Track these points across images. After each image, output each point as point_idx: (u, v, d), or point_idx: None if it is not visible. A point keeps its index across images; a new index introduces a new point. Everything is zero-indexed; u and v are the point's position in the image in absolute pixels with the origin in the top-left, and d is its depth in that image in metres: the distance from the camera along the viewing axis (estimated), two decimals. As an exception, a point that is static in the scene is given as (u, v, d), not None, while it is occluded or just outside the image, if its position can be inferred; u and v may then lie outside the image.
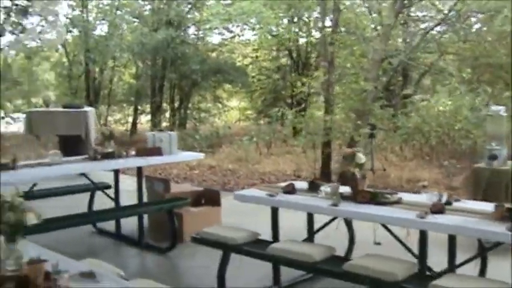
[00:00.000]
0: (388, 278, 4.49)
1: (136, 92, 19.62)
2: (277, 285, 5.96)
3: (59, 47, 19.34)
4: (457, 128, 12.79)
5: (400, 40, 13.86)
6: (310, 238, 6.18)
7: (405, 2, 12.44)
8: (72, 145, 11.77)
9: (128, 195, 8.19)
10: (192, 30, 19.21)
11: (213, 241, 5.63)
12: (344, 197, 5.51)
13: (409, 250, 5.43)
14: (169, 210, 7.06)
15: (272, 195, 5.76)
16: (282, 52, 20.80)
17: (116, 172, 7.65)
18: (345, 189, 5.64)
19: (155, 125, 17.42)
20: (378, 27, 13.18)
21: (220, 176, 13.21)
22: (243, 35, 20.94)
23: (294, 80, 18.36)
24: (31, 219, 3.33)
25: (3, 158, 6.71)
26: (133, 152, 7.51)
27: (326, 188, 5.77)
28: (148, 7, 18.89)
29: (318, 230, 6.20)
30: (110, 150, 7.34)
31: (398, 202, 5.34)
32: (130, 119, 20.96)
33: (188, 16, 18.11)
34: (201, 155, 8.26)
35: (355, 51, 13.78)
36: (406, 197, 5.56)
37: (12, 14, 14.44)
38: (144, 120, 21.74)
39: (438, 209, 4.96)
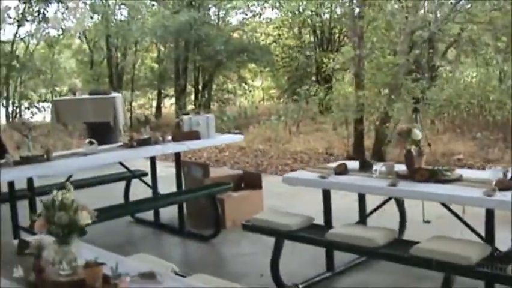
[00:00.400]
0: (462, 262, 4.11)
1: (159, 75, 19.23)
2: (330, 271, 5.61)
3: (80, 33, 19.08)
4: (491, 99, 12.27)
5: (427, 12, 13.23)
6: (362, 221, 5.82)
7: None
8: (100, 132, 11.46)
9: (164, 182, 7.84)
10: (212, 10, 18.67)
11: (265, 228, 5.27)
12: (399, 176, 5.13)
13: (473, 230, 5.04)
14: (212, 196, 6.69)
15: (324, 177, 5.38)
16: (305, 29, 20.30)
17: (153, 159, 7.29)
18: (399, 168, 5.24)
19: (180, 108, 17.03)
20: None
21: (252, 157, 12.84)
22: (263, 13, 20.50)
23: (319, 57, 17.90)
24: (85, 218, 2.97)
25: (35, 150, 6.37)
26: (169, 137, 7.14)
27: (380, 167, 5.37)
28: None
29: (371, 212, 5.84)
30: (146, 136, 6.98)
31: (459, 179, 4.94)
32: (154, 103, 20.61)
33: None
34: (241, 137, 7.89)
35: (380, 24, 13.23)
36: (466, 173, 5.15)
37: (33, 3, 14.20)
38: (168, 103, 21.42)
39: (505, 185, 4.55)
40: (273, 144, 14.09)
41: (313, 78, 19.37)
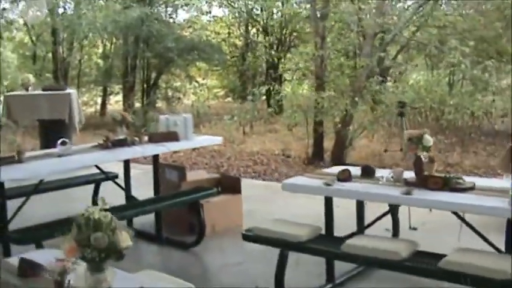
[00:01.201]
0: (499, 276, 3.74)
1: (104, 72, 18.39)
2: (331, 283, 5.18)
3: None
4: (451, 102, 12.11)
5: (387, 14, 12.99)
6: (361, 230, 5.43)
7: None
8: (54, 130, 10.73)
9: (135, 185, 7.22)
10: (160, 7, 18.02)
11: (270, 238, 4.79)
12: (408, 183, 4.76)
13: (491, 245, 4.70)
14: (195, 202, 6.15)
15: (329, 184, 4.95)
16: (254, 28, 19.89)
17: (127, 161, 6.70)
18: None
19: (129, 105, 16.31)
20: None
21: (209, 157, 12.31)
22: (210, 12, 19.98)
23: (270, 57, 17.52)
24: (125, 240, 2.43)
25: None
26: (146, 138, 6.56)
27: (388, 174, 4.99)
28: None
29: (374, 222, 5.48)
30: (122, 137, 6.38)
31: (473, 188, 4.60)
32: (99, 100, 19.74)
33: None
34: (219, 139, 7.34)
35: (340, 25, 12.96)
36: (479, 181, 4.81)
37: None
38: (112, 101, 20.61)
39: (525, 194, 4.21)
40: (227, 145, 13.57)
41: (263, 78, 18.91)
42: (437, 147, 12.33)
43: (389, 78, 15.19)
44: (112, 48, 18.82)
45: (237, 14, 20.42)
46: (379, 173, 5.18)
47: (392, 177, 4.98)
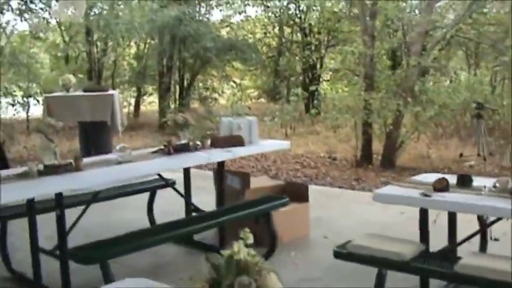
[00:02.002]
0: None
1: (138, 72, 17.81)
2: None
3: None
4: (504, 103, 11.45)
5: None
6: (453, 246, 4.81)
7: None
8: (96, 133, 10.23)
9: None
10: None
11: (367, 257, 4.18)
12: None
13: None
14: (267, 213, 5.56)
15: (427, 194, 4.34)
16: (290, 28, 19.28)
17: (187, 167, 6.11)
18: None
19: (164, 107, 15.75)
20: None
21: (254, 160, 11.69)
22: (244, 11, 19.39)
23: (309, 57, 16.89)
24: (275, 284, 1.84)
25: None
26: (208, 142, 5.97)
27: (490, 183, 4.39)
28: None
29: (468, 238, 4.89)
30: (184, 141, 5.81)
31: None
32: (132, 101, 19.20)
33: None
34: (287, 143, 6.74)
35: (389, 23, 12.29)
36: None
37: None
38: (146, 102, 20.09)
39: None
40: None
41: (299, 78, 18.29)
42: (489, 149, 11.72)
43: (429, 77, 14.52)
44: (145, 48, 18.23)
45: (270, 14, 19.86)
46: (476, 181, 4.57)
47: (496, 186, 4.37)
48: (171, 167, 5.56)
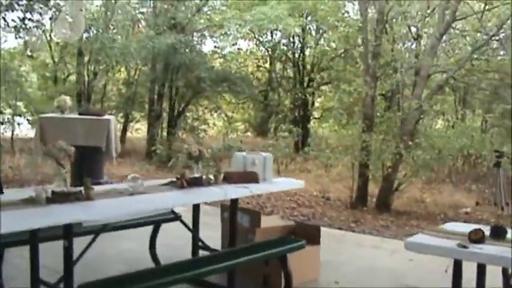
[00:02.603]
0: None
1: (127, 98, 17.41)
2: None
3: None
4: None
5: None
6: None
7: (457, 13, 10.82)
8: (89, 158, 9.76)
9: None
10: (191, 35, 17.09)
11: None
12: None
13: None
14: (283, 255, 5.20)
15: (464, 246, 4.06)
16: (283, 63, 19.09)
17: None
18: None
19: (153, 135, 15.35)
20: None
21: (247, 197, 11.29)
22: (235, 44, 19.13)
23: (302, 93, 16.65)
24: None
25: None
26: (222, 177, 5.61)
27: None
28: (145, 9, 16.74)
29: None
30: (197, 175, 5.44)
31: None
32: (119, 127, 18.75)
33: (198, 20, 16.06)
34: (301, 183, 6.38)
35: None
36: None
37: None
38: (133, 128, 19.65)
39: None
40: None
41: (289, 114, 18.03)
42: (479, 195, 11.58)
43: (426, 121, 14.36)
44: (136, 74, 17.86)
45: (261, 48, 19.70)
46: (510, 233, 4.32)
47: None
48: (187, 201, 5.19)
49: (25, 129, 16.53)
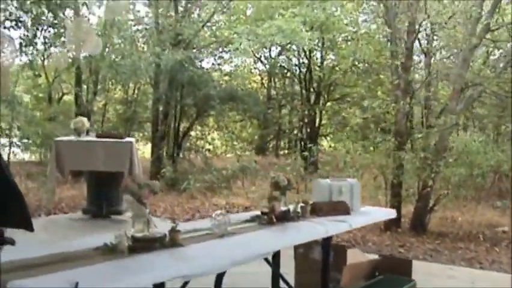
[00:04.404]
0: None
1: (127, 119, 16.30)
2: None
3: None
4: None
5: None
6: None
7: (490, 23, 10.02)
8: (108, 184, 8.73)
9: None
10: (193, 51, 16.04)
11: None
12: None
13: None
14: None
15: None
16: (289, 80, 18.19)
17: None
18: None
19: (159, 156, 14.28)
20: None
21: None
22: (232, 58, 18.16)
23: (310, 110, 15.74)
24: None
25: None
26: (308, 209, 4.67)
27: None
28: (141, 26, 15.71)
29: None
30: (284, 208, 4.49)
31: None
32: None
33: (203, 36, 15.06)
34: (393, 212, 5.45)
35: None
36: None
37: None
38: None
39: None
40: (280, 204, 11.63)
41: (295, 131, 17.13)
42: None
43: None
44: (134, 93, 16.79)
45: (259, 64, 18.81)
46: None
47: None
48: (287, 243, 4.21)
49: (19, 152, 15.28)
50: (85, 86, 15.95)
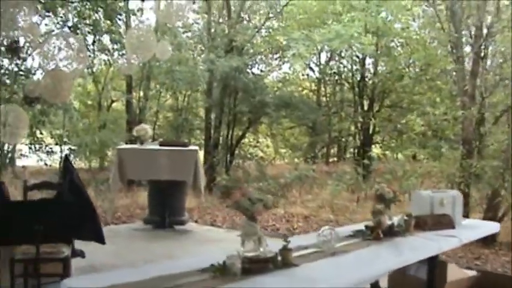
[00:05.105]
0: None
1: (177, 126, 16.03)
2: None
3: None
4: None
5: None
6: None
7: None
8: (171, 193, 8.47)
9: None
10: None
11: None
12: None
13: None
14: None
15: None
16: (340, 86, 17.82)
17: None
18: None
19: (212, 164, 13.99)
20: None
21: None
22: (282, 64, 17.82)
23: (364, 117, 15.32)
24: None
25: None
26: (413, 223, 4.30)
27: None
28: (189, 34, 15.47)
29: None
30: (389, 222, 4.14)
31: None
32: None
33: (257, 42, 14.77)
34: (497, 226, 5.06)
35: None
36: None
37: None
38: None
39: None
40: (339, 213, 11.28)
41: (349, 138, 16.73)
42: None
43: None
44: (184, 100, 16.54)
45: (308, 70, 18.44)
46: None
47: None
48: (406, 260, 3.85)
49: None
50: (135, 94, 15.78)
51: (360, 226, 4.19)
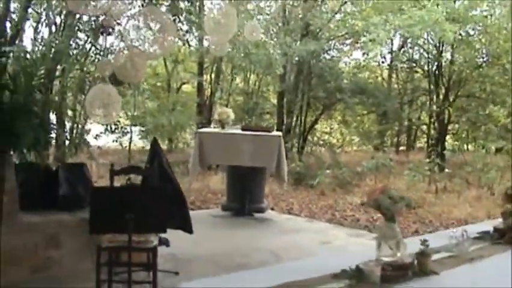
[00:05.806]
0: None
1: (247, 110, 15.69)
2: None
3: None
4: None
5: None
6: None
7: None
8: (251, 180, 8.16)
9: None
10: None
11: None
12: None
13: None
14: None
15: None
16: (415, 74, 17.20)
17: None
18: None
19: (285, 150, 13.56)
20: None
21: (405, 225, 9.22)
22: (353, 50, 17.20)
23: (441, 107, 14.69)
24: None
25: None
26: None
27: None
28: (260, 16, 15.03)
29: None
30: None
31: None
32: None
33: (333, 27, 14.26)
34: None
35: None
36: None
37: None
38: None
39: None
40: (415, 205, 10.69)
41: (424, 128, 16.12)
42: None
43: None
44: (255, 84, 16.18)
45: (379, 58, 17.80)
46: None
47: None
48: None
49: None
50: (205, 76, 15.55)
51: (480, 226, 3.80)
